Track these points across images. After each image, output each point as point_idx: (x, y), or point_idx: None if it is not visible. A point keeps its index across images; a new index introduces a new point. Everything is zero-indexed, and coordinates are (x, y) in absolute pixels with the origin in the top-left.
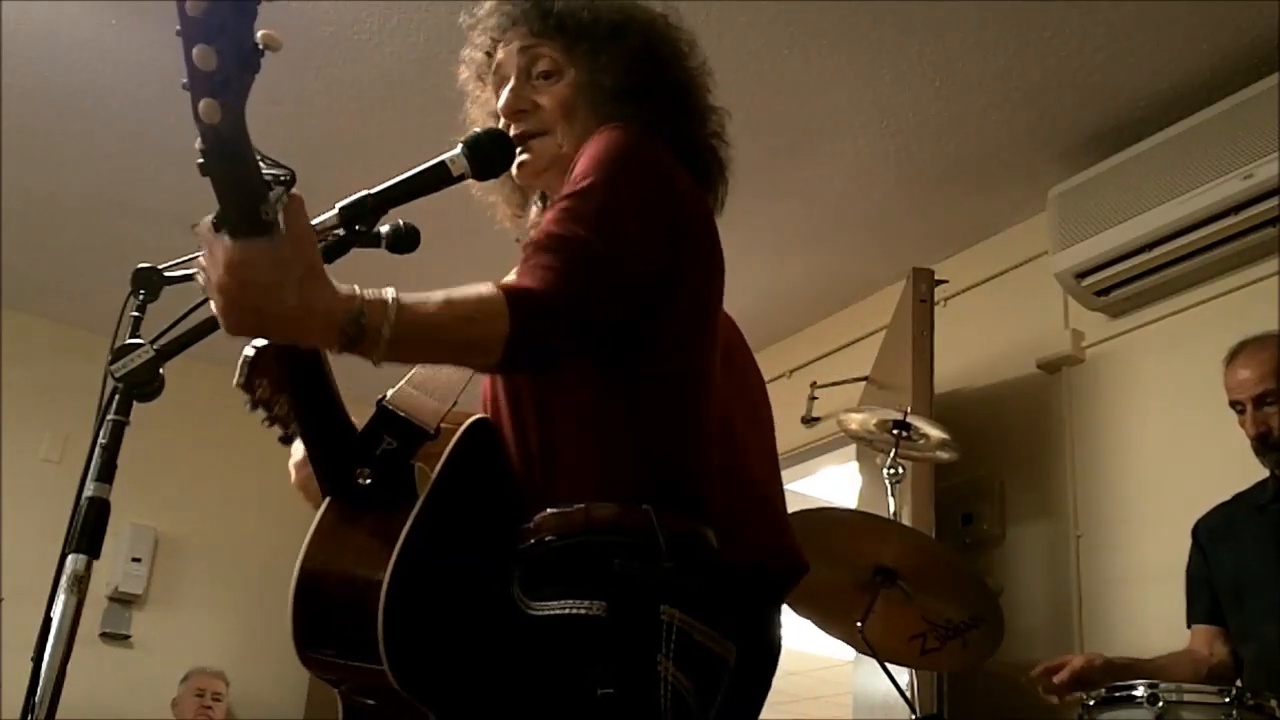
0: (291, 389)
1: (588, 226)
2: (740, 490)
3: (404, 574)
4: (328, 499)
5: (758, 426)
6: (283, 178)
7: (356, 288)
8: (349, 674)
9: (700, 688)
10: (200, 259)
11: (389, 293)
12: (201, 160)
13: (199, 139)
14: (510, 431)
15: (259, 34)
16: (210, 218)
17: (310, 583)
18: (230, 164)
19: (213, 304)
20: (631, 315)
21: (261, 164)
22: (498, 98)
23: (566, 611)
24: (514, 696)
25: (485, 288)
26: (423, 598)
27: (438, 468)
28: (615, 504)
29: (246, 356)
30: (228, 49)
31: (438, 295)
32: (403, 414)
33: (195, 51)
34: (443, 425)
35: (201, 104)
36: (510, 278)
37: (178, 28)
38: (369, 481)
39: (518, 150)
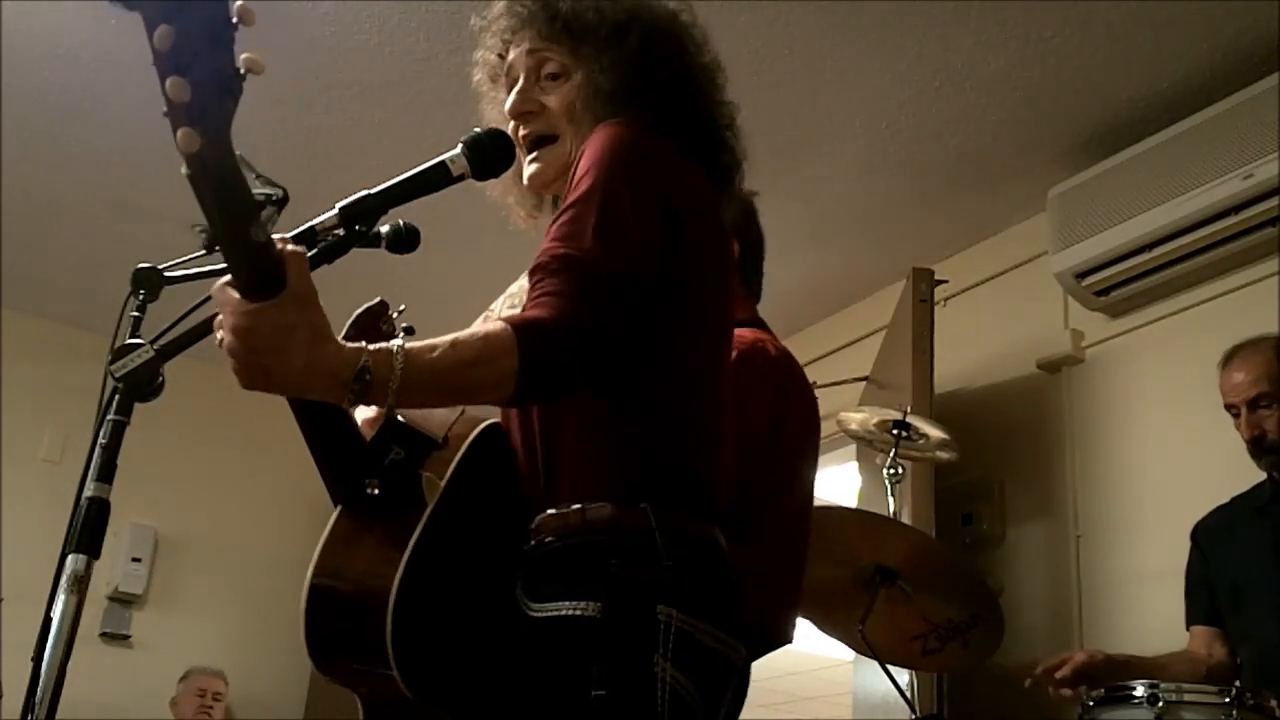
0: (298, 402)
1: (590, 238)
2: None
3: (412, 582)
4: (338, 509)
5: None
6: (274, 196)
7: (363, 341)
8: (364, 679)
9: (704, 689)
10: (217, 319)
11: (395, 343)
12: (188, 179)
13: (183, 164)
14: (519, 436)
15: (241, 58)
16: (223, 280)
17: (322, 593)
18: (216, 187)
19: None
20: (640, 325)
21: (256, 180)
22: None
23: (563, 613)
24: (519, 699)
25: (493, 325)
26: (430, 605)
27: (447, 476)
28: (612, 504)
29: None
30: (203, 78)
31: (444, 340)
32: (411, 424)
33: (168, 84)
34: (451, 433)
35: (180, 133)
36: (512, 311)
37: (152, 60)
38: (377, 492)
39: (528, 160)
